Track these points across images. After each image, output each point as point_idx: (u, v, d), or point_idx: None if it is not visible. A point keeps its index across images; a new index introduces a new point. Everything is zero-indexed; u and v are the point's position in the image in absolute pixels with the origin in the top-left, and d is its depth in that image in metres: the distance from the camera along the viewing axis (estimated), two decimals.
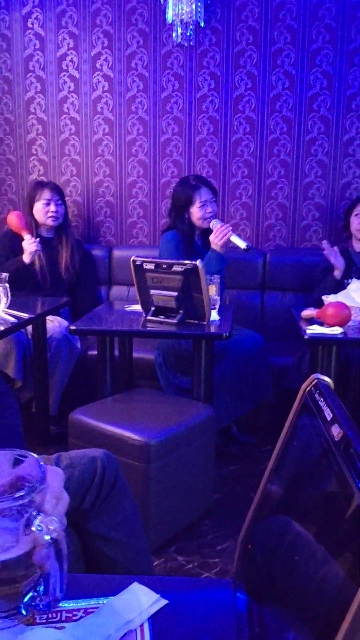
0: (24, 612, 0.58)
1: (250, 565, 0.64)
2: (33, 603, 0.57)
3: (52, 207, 2.81)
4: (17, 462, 0.62)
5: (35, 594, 0.58)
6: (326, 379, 0.60)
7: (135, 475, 1.74)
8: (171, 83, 3.14)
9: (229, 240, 2.46)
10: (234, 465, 2.43)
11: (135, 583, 0.64)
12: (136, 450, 1.76)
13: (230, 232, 2.47)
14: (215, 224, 2.51)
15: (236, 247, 2.45)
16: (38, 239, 2.71)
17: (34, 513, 0.56)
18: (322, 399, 0.56)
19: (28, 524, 0.56)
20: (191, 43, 3.05)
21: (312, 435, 0.56)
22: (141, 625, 0.58)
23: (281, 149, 3.11)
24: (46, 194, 2.81)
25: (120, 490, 1.09)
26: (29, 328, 2.46)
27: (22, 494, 0.56)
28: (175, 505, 1.87)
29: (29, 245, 2.66)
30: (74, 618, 0.60)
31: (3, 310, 2.12)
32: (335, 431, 0.50)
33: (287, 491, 0.61)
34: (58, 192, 2.87)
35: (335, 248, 2.67)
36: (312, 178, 3.12)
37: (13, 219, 2.75)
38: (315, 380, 0.60)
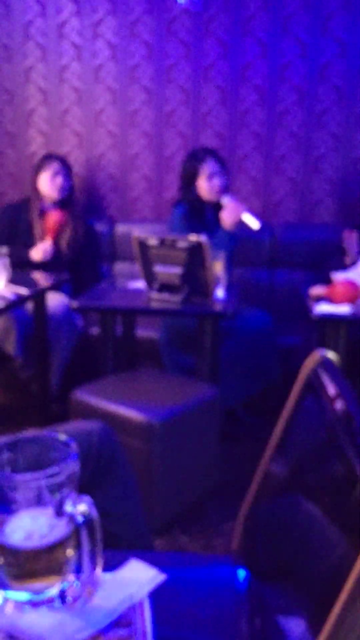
0: (57, 604, 0.56)
1: (250, 541, 0.65)
2: (66, 596, 0.56)
3: (59, 180, 2.74)
4: (50, 446, 0.59)
5: (69, 585, 0.56)
6: (330, 354, 0.58)
7: (138, 454, 1.72)
8: (176, 50, 3.01)
9: (240, 219, 2.37)
10: (240, 447, 2.40)
11: (133, 559, 0.64)
12: (139, 429, 1.74)
13: (243, 210, 2.38)
14: (226, 201, 2.42)
15: (248, 227, 2.36)
16: (51, 250, 2.67)
17: (66, 492, 0.54)
18: (325, 375, 0.55)
19: (61, 505, 0.53)
20: (198, 8, 2.91)
21: (316, 412, 0.55)
22: (141, 601, 0.58)
23: (291, 120, 2.99)
24: (54, 165, 2.75)
25: (119, 463, 1.08)
26: (29, 304, 2.40)
27: (55, 471, 0.53)
28: (179, 485, 1.86)
29: (44, 251, 2.63)
30: None
31: (4, 287, 2.06)
32: (338, 406, 0.49)
33: (290, 468, 0.61)
34: (66, 166, 2.81)
35: (355, 235, 2.54)
36: (323, 150, 3.00)
37: (57, 216, 2.74)
38: (319, 356, 0.59)
